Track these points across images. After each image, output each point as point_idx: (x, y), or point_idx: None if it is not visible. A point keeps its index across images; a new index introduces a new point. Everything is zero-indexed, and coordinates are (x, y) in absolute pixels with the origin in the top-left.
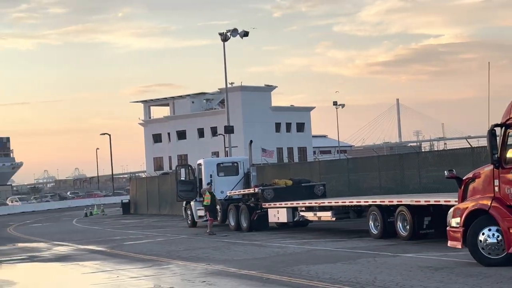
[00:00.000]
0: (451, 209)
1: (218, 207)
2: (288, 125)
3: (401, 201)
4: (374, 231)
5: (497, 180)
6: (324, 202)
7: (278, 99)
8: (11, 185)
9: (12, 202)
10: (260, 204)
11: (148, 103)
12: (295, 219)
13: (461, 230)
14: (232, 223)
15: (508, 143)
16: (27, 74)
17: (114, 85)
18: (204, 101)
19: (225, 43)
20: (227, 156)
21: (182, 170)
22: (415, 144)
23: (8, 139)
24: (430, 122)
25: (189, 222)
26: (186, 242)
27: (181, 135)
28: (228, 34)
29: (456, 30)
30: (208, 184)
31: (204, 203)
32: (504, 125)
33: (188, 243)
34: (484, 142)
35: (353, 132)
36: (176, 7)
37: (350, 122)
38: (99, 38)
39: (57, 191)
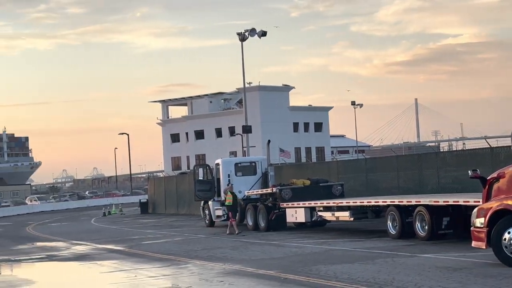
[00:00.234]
0: (475, 209)
1: None
2: (306, 125)
3: (419, 201)
4: (392, 231)
5: None
6: (342, 202)
7: (295, 99)
8: (30, 184)
9: (31, 201)
10: (278, 204)
11: (166, 103)
12: (313, 219)
13: (485, 230)
14: (250, 223)
15: None
16: (46, 74)
17: (132, 85)
18: (222, 101)
19: (243, 43)
20: (245, 156)
21: (200, 170)
22: (433, 144)
23: (27, 138)
24: (449, 122)
25: (207, 221)
26: (204, 241)
27: (199, 135)
28: (246, 34)
29: (475, 30)
30: (229, 184)
31: (226, 203)
32: None
33: (206, 242)
34: (503, 142)
35: (371, 132)
36: (193, 7)
37: (368, 122)
38: (117, 38)
39: (75, 191)
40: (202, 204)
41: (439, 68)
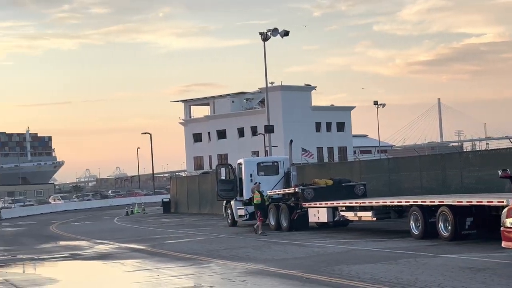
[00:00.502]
0: (505, 209)
1: None
2: (328, 125)
3: (442, 202)
4: (415, 232)
5: None
6: (364, 202)
7: (318, 99)
8: (53, 183)
9: (54, 200)
10: (300, 203)
11: (188, 103)
12: (335, 219)
13: None
14: (272, 223)
15: None
16: (69, 74)
17: (155, 85)
18: (244, 100)
19: (265, 42)
20: (267, 155)
21: (223, 170)
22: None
23: (50, 138)
24: (472, 122)
25: (229, 221)
26: (226, 241)
27: (221, 134)
28: (269, 33)
29: (499, 29)
30: (256, 183)
31: (254, 201)
32: None
33: (228, 242)
34: None
35: (394, 132)
36: (215, 7)
37: (391, 122)
38: (140, 38)
39: (98, 190)
40: (224, 204)
41: (462, 67)
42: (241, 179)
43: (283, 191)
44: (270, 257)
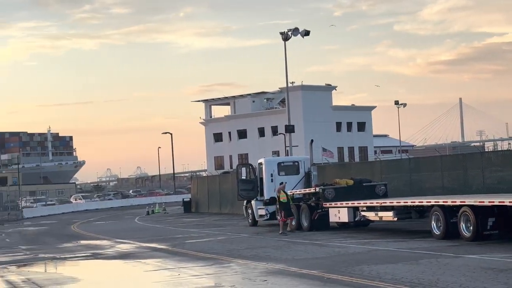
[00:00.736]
0: None
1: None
2: (349, 125)
3: (464, 202)
4: (437, 232)
5: None
6: (385, 202)
7: (338, 99)
8: (75, 183)
9: (76, 200)
10: (321, 203)
11: (209, 103)
12: (356, 219)
13: None
14: (293, 223)
15: None
16: (90, 74)
17: (175, 85)
18: (265, 100)
19: (286, 42)
20: (288, 155)
21: (243, 169)
22: (478, 144)
23: (71, 138)
24: (494, 122)
25: (249, 221)
26: (247, 241)
27: (242, 134)
28: (289, 33)
29: None
30: (281, 183)
31: (281, 200)
32: None
33: (249, 242)
34: None
35: (415, 131)
36: (237, 6)
37: (412, 122)
38: (161, 38)
39: (119, 190)
40: (245, 204)
41: (484, 67)
42: (261, 179)
43: (304, 191)
44: (290, 257)
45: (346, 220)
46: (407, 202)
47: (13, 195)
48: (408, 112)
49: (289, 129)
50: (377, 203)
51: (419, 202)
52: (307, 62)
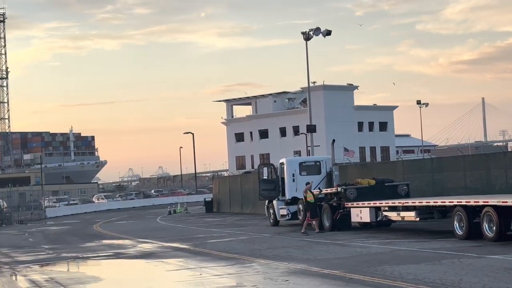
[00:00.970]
0: None
1: (300, 206)
2: (371, 124)
3: (487, 202)
4: (459, 232)
5: None
6: (407, 202)
7: (360, 98)
8: (97, 183)
9: (98, 199)
10: (342, 203)
11: (230, 102)
12: (378, 219)
13: None
14: (315, 222)
15: None
16: (112, 74)
17: (197, 84)
18: (286, 100)
19: (307, 42)
20: (309, 155)
21: (265, 169)
22: (501, 143)
23: (93, 137)
24: None
25: (271, 221)
26: (268, 240)
27: (263, 134)
28: (311, 33)
29: None
30: (307, 183)
31: (308, 200)
32: None
33: (271, 241)
34: None
35: (437, 131)
36: (257, 6)
37: (434, 122)
38: (182, 38)
39: (141, 189)
40: (266, 203)
41: (507, 66)
42: (283, 178)
43: (326, 190)
44: (312, 257)
45: (368, 220)
46: (429, 202)
47: (36, 195)
48: (430, 112)
49: (311, 129)
50: (399, 203)
51: (441, 202)
52: (329, 62)
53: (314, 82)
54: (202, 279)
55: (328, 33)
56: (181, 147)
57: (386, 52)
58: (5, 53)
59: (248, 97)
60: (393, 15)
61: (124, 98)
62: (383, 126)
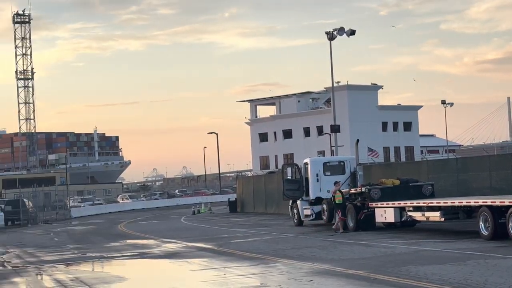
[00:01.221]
0: None
1: (324, 206)
2: (395, 124)
3: None
4: (485, 232)
5: None
6: (432, 202)
7: (384, 98)
8: (121, 183)
9: (122, 199)
10: (366, 203)
11: (254, 102)
12: (403, 219)
13: None
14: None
15: None
16: (137, 74)
17: (221, 85)
18: (310, 100)
19: (331, 42)
20: (333, 155)
21: (289, 169)
22: None
23: (117, 138)
24: None
25: (295, 221)
26: (292, 240)
27: (287, 134)
28: (335, 33)
29: None
30: (336, 182)
31: (336, 201)
32: None
33: (295, 242)
34: None
35: (462, 131)
36: (281, 6)
37: (459, 121)
38: (206, 38)
39: (165, 189)
40: (290, 204)
41: None
42: (307, 178)
43: (350, 191)
44: (336, 257)
45: (393, 220)
46: (454, 202)
47: (61, 195)
48: (455, 112)
49: (335, 129)
50: (424, 203)
51: (466, 202)
52: (352, 62)
53: (338, 82)
54: (226, 279)
55: (352, 32)
56: (205, 147)
57: (410, 51)
58: (31, 54)
59: (272, 97)
60: (418, 14)
61: (148, 98)
62: (408, 126)
